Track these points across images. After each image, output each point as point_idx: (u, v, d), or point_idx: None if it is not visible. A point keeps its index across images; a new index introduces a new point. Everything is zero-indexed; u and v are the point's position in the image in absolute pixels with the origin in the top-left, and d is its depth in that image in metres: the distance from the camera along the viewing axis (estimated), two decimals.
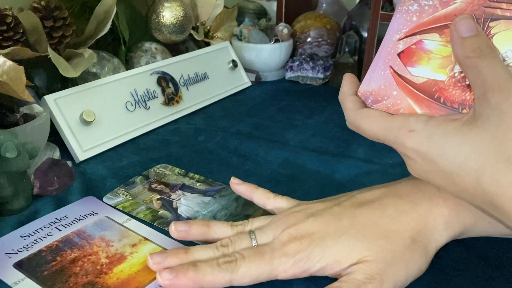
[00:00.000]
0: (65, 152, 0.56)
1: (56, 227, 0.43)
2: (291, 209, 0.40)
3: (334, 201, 0.40)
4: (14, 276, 0.37)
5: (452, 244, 0.42)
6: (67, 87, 0.59)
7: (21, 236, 0.42)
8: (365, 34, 0.87)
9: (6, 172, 0.43)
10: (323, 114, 0.73)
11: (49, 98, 0.56)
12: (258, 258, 0.36)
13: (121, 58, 0.70)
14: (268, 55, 0.87)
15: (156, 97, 0.68)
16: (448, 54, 0.32)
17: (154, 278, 0.36)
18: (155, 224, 0.44)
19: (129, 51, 0.74)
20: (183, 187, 0.51)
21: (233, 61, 0.83)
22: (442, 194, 0.38)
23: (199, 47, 0.82)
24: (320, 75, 0.87)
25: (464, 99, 0.31)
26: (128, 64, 0.73)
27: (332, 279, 0.36)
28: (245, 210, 0.47)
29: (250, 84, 0.85)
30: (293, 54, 0.92)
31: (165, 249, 0.41)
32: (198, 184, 0.51)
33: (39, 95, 0.57)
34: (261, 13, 1.01)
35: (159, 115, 0.67)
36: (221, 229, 0.40)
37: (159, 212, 0.46)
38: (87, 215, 0.45)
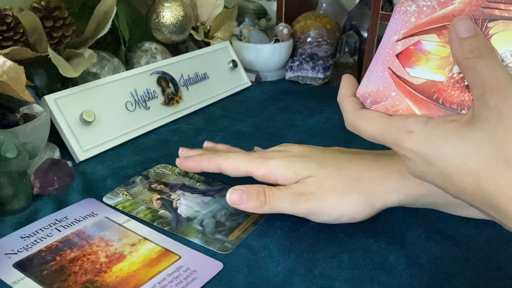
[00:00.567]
0: (65, 152, 0.56)
1: (56, 228, 0.43)
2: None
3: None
4: (13, 276, 0.37)
5: (452, 244, 0.42)
6: (67, 87, 0.59)
7: (21, 237, 0.42)
8: (365, 34, 0.87)
9: (6, 172, 0.43)
10: (323, 114, 0.73)
11: (49, 98, 0.56)
12: (246, 157, 0.45)
13: (121, 58, 0.70)
14: (268, 55, 0.87)
15: (156, 97, 0.68)
16: (446, 55, 0.32)
17: (153, 276, 0.37)
18: (155, 224, 0.44)
19: (129, 51, 0.74)
20: (183, 187, 0.51)
21: (233, 61, 0.83)
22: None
23: (199, 47, 0.82)
24: (320, 75, 0.87)
25: (463, 100, 0.31)
26: (128, 64, 0.73)
27: None
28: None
29: (250, 84, 0.85)
30: (293, 54, 0.92)
31: (165, 248, 0.41)
32: (198, 184, 0.51)
33: (39, 95, 0.57)
34: (261, 13, 1.01)
35: (159, 115, 0.67)
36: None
37: (159, 212, 0.46)
38: (87, 216, 0.45)
